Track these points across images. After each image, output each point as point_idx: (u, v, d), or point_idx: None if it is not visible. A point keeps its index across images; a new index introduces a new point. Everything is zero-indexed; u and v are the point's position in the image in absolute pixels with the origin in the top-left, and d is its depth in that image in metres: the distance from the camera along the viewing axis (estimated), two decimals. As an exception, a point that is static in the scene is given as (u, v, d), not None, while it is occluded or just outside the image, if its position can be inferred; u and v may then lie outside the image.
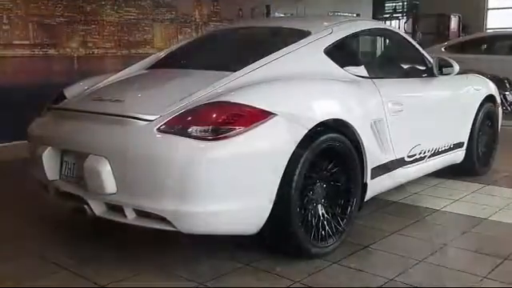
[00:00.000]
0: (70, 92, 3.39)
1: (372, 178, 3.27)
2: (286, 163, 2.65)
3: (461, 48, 9.51)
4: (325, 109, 2.93)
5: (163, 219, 2.57)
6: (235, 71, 2.94)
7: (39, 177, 3.09)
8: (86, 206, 2.79)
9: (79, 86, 3.46)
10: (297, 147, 2.69)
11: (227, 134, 2.51)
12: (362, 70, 3.44)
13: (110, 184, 2.61)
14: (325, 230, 2.94)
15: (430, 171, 4.14)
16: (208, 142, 2.50)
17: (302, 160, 2.71)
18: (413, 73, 4.00)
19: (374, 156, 3.26)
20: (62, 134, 2.94)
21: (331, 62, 3.27)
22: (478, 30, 13.29)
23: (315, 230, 2.88)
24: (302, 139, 2.71)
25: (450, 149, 4.23)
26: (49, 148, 2.94)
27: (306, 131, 2.73)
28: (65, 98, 3.35)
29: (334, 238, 2.98)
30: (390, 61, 3.93)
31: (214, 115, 2.56)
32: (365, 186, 3.21)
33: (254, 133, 2.55)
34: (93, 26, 7.14)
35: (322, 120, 2.82)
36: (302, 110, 2.78)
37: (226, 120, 2.55)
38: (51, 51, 6.70)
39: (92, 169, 2.64)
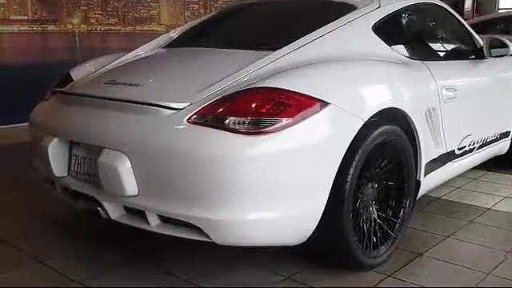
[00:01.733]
0: (78, 73, 2.95)
1: (425, 174, 2.85)
2: (339, 162, 2.22)
3: (476, 28, 9.04)
4: (382, 96, 2.49)
5: (194, 228, 2.15)
6: (274, 51, 2.49)
7: (44, 171, 2.67)
8: (99, 209, 2.37)
9: (87, 67, 3.02)
10: (352, 142, 2.26)
11: (272, 126, 2.08)
12: (412, 51, 3.00)
13: (130, 185, 2.19)
14: (376, 237, 2.53)
15: (477, 164, 3.73)
16: (249, 136, 2.06)
17: (356, 157, 2.29)
18: (462, 54, 3.55)
19: (428, 150, 2.84)
20: (70, 123, 2.50)
21: (380, 40, 2.83)
22: (490, 10, 12.79)
23: (367, 237, 2.47)
24: (358, 133, 2.28)
25: (497, 139, 3.82)
26: (55, 139, 2.50)
27: (363, 123, 2.30)
28: (71, 80, 2.91)
29: (386, 245, 2.58)
30: (438, 40, 3.49)
31: (257, 104, 2.13)
32: (418, 184, 2.79)
33: (304, 126, 2.12)
34: (95, 1, 6.65)
35: (379, 109, 2.39)
36: (357, 98, 2.35)
37: (270, 110, 2.11)
38: (51, 27, 6.22)
39: (108, 166, 2.21)
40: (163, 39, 3.25)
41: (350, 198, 2.28)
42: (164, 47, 3.19)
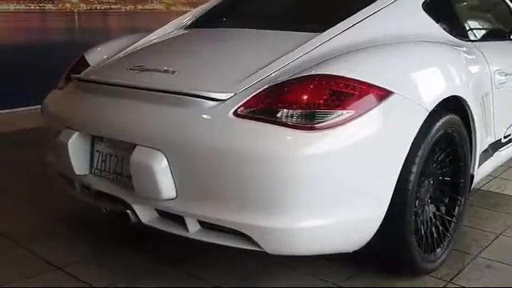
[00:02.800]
0: (94, 57, 2.66)
1: (478, 166, 2.62)
2: (404, 159, 1.96)
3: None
4: (444, 83, 2.23)
5: (240, 235, 1.89)
6: (318, 32, 2.22)
7: (61, 169, 2.39)
8: (129, 212, 2.10)
9: (104, 51, 2.73)
10: (416, 136, 2.00)
11: (331, 120, 1.82)
12: (462, 31, 2.74)
13: (167, 187, 1.92)
14: (432, 238, 2.29)
15: (518, 153, 3.49)
16: (306, 131, 1.80)
17: (419, 153, 2.03)
18: (508, 34, 3.28)
19: (481, 140, 2.60)
20: (92, 116, 2.21)
21: (430, 20, 2.55)
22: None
23: (424, 239, 2.23)
24: (422, 125, 2.03)
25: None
26: (76, 134, 2.22)
27: (427, 114, 2.04)
28: (87, 64, 2.61)
29: (442, 247, 2.34)
30: (485, 19, 3.22)
31: (313, 94, 1.86)
32: (472, 177, 2.55)
33: (366, 119, 1.86)
34: (94, -22, 6.28)
35: (442, 98, 2.13)
36: (421, 86, 2.09)
37: (329, 101, 1.85)
38: (49, 6, 5.87)
39: (142, 166, 1.94)
40: (185, 19, 2.95)
41: (412, 198, 2.04)
42: (188, 28, 2.89)
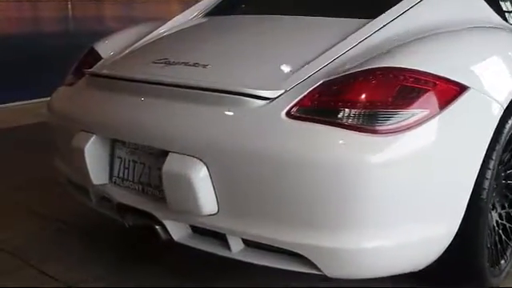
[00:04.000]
0: (106, 49, 2.36)
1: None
2: (480, 163, 1.70)
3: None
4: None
5: (294, 256, 1.62)
6: (373, 18, 1.94)
7: (75, 177, 2.11)
8: (158, 228, 1.82)
9: (116, 41, 2.43)
10: (493, 136, 1.74)
11: (403, 121, 1.54)
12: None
13: (208, 200, 1.64)
14: (496, 249, 2.04)
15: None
16: (373, 135, 1.53)
17: (493, 155, 1.77)
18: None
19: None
20: (113, 117, 1.92)
21: (486, 5, 2.28)
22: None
23: (489, 250, 1.97)
24: (498, 123, 1.76)
25: None
26: (93, 137, 1.93)
27: (502, 110, 1.78)
28: (99, 57, 2.31)
29: (506, 258, 2.08)
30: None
31: (380, 91, 1.58)
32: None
33: (442, 119, 1.59)
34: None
35: (517, 92, 1.86)
36: (495, 79, 1.82)
37: (399, 99, 1.57)
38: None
39: (178, 176, 1.65)
40: (208, 4, 2.64)
41: (487, 206, 1.78)
42: (211, 15, 2.58)
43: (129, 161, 1.91)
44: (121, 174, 1.94)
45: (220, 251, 1.75)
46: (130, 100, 1.90)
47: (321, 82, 1.64)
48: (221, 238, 1.74)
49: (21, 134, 4.33)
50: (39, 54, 5.55)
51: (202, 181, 1.63)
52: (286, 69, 1.73)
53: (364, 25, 1.89)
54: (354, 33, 1.85)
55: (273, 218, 1.62)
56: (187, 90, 1.74)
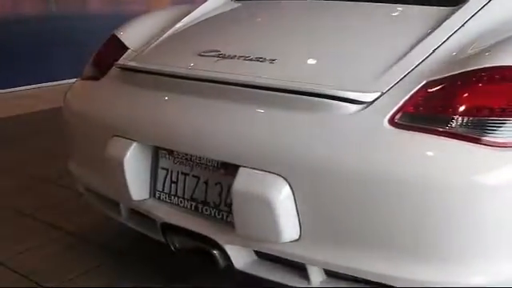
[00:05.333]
0: (132, 38, 2.03)
1: None
2: None
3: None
4: None
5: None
6: (461, 5, 1.66)
7: (104, 188, 1.79)
8: (216, 253, 1.53)
9: (143, 28, 2.10)
10: None
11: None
12: None
13: (289, 225, 1.36)
14: None
15: None
16: (500, 149, 1.26)
17: None
18: None
19: None
20: (160, 122, 1.61)
21: None
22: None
23: None
24: None
25: None
26: (134, 145, 1.61)
27: None
28: (124, 47, 1.98)
29: None
30: None
31: (507, 95, 1.31)
32: None
33: None
34: None
35: None
36: None
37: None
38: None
39: (254, 197, 1.36)
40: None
41: None
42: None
43: (178, 173, 1.61)
44: (166, 189, 1.63)
45: (295, 282, 1.47)
46: (179, 101, 1.60)
47: (423, 82, 1.37)
48: (296, 267, 1.46)
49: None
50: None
51: (284, 202, 1.34)
52: (375, 65, 1.45)
53: (451, 13, 1.61)
54: (442, 23, 1.57)
55: (366, 245, 1.34)
56: (259, 90, 1.44)
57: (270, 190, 1.34)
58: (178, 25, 2.01)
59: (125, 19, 2.14)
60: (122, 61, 1.82)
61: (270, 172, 1.35)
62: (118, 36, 2.03)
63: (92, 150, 1.79)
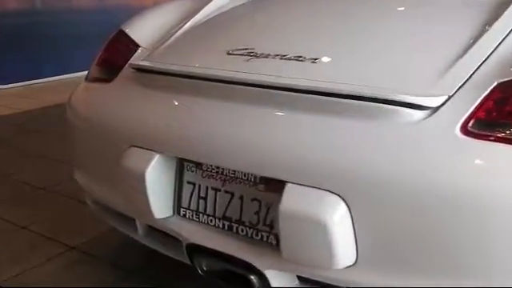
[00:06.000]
0: (143, 34, 1.83)
1: None
2: None
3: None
4: None
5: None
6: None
7: (118, 204, 1.60)
8: (253, 278, 1.35)
9: (152, 23, 1.90)
10: None
11: None
12: None
13: (345, 250, 1.19)
14: None
15: None
16: None
17: None
18: None
19: None
20: (186, 131, 1.42)
21: None
22: None
23: None
24: None
25: None
26: (157, 157, 1.42)
27: None
28: (134, 44, 1.78)
29: None
30: None
31: None
32: None
33: None
34: None
35: None
36: None
37: None
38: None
39: (306, 217, 1.18)
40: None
41: None
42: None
43: (206, 188, 1.42)
44: (193, 206, 1.45)
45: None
46: (207, 106, 1.41)
47: (494, 83, 1.20)
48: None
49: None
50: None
51: (340, 224, 1.17)
52: (435, 64, 1.28)
53: (507, 6, 1.45)
54: (500, 16, 1.40)
55: (434, 270, 1.18)
56: (303, 95, 1.26)
57: (324, 210, 1.17)
58: (195, 18, 1.82)
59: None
60: (135, 60, 1.63)
61: (323, 189, 1.18)
62: (127, 32, 1.83)
63: (104, 160, 1.60)
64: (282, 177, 1.23)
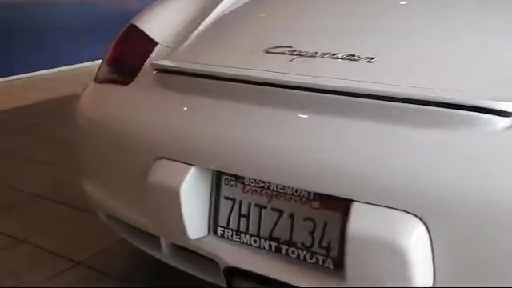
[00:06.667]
0: (157, 29, 1.64)
1: None
2: None
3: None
4: None
5: None
6: None
7: (140, 221, 1.43)
8: (305, 306, 1.20)
9: (167, 17, 1.71)
10: None
11: None
12: None
13: (421, 273, 1.05)
14: None
15: None
16: None
17: None
18: None
19: None
20: (226, 140, 1.25)
21: None
22: None
23: None
24: None
25: None
26: (192, 170, 1.25)
27: None
28: (151, 41, 1.60)
29: None
30: None
31: None
32: None
33: None
34: None
35: None
36: None
37: None
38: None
39: (379, 241, 1.03)
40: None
41: None
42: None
43: (249, 205, 1.26)
44: (233, 224, 1.28)
45: None
46: (249, 112, 1.24)
47: None
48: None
49: None
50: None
51: (418, 248, 1.02)
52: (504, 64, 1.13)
53: None
54: None
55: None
56: (364, 100, 1.10)
57: (401, 233, 1.02)
58: (216, 10, 1.64)
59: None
60: (157, 60, 1.45)
61: (398, 209, 1.03)
62: (140, 27, 1.64)
63: (123, 172, 1.43)
64: (348, 195, 1.07)
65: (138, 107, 1.42)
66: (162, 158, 1.31)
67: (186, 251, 1.43)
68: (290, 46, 1.30)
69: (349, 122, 1.12)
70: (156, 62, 1.41)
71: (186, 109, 1.33)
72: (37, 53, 5.02)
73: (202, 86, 1.32)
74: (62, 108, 3.32)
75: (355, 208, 1.06)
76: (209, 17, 1.59)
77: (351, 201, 1.07)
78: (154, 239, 1.49)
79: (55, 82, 4.84)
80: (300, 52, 1.28)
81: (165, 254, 1.49)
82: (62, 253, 2.03)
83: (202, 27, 1.55)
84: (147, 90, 1.43)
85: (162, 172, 1.29)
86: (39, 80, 4.95)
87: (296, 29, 1.41)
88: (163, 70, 1.40)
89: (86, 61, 5.11)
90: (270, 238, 1.24)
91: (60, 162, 2.82)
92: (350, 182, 1.07)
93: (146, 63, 1.51)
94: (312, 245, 1.19)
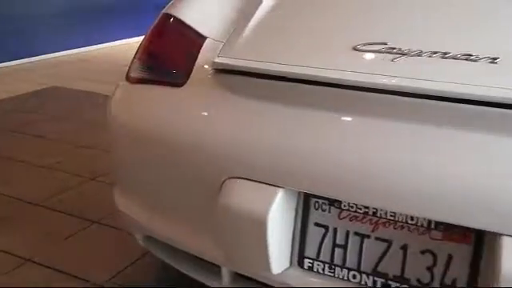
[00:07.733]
0: (202, 21, 1.40)
1: None
2: None
3: None
4: None
5: None
6: None
7: (200, 250, 1.22)
8: None
9: (210, 6, 1.46)
10: None
11: None
12: None
13: None
14: None
15: None
16: None
17: None
18: None
19: None
20: (318, 157, 1.04)
21: None
22: None
23: None
24: None
25: None
26: (280, 194, 1.04)
27: None
28: (197, 34, 1.36)
29: None
30: None
31: None
32: None
33: None
34: None
35: None
36: None
37: None
38: None
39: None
40: None
41: None
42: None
43: (346, 233, 1.06)
44: (325, 256, 1.08)
45: None
46: (347, 123, 1.04)
47: None
48: None
49: None
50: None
51: None
52: None
53: None
54: None
55: None
56: (494, 109, 0.92)
57: None
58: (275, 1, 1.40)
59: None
60: (218, 58, 1.21)
61: None
62: (182, 19, 1.40)
63: (178, 192, 1.21)
64: (489, 227, 0.88)
65: (201, 115, 1.18)
66: (236, 177, 1.09)
67: (248, 280, 1.23)
68: (385, 43, 1.10)
69: (487, 137, 0.93)
70: (218, 60, 1.18)
71: (262, 118, 1.11)
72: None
73: (280, 90, 1.10)
74: None
75: (507, 243, 0.87)
76: (262, 5, 1.35)
77: (497, 234, 0.88)
78: (211, 267, 1.28)
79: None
80: (400, 50, 1.07)
81: (225, 283, 1.27)
82: (76, 273, 1.79)
83: (256, 19, 1.31)
84: (209, 94, 1.19)
85: (240, 195, 1.07)
86: None
87: (386, 20, 1.20)
88: (226, 70, 1.17)
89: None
90: (375, 272, 1.04)
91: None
92: (497, 213, 0.88)
93: (197, 61, 1.28)
94: (430, 282, 1.00)
